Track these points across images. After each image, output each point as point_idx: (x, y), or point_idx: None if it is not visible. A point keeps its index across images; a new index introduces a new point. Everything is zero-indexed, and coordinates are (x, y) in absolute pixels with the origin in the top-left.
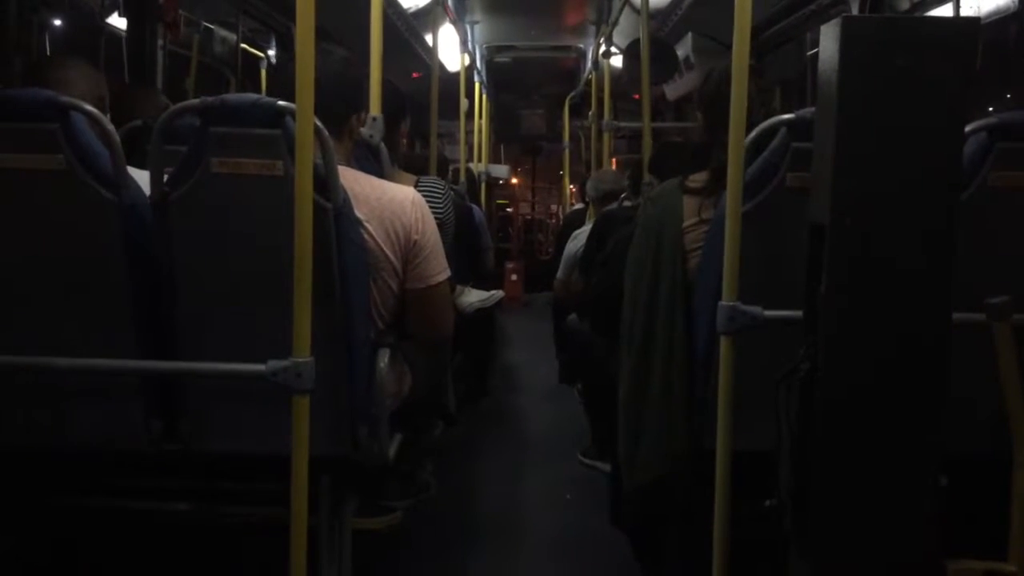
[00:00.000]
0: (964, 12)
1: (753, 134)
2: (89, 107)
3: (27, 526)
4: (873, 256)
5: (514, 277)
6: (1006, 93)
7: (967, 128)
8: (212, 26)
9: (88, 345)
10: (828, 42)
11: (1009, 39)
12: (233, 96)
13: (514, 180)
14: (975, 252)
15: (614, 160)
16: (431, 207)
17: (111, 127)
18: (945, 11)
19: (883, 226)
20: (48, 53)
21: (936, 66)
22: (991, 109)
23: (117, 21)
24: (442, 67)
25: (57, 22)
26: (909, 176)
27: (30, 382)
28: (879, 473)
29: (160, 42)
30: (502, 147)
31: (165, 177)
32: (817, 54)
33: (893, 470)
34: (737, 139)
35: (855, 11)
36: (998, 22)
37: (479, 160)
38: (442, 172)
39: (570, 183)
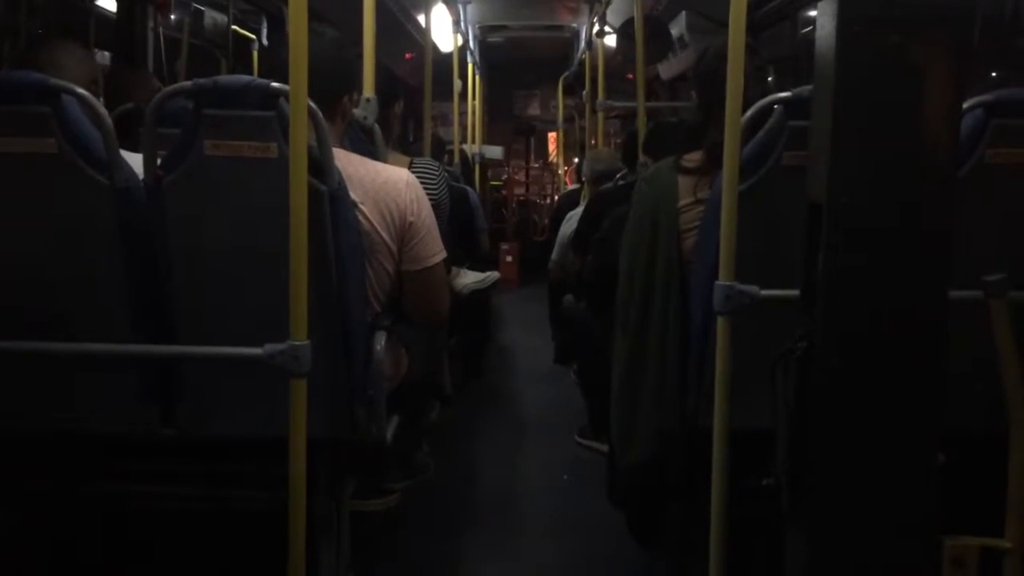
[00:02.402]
0: None
1: (749, 113)
2: (81, 90)
3: (24, 512)
4: (870, 234)
5: (509, 258)
6: (1002, 70)
7: (964, 105)
8: (203, 8)
9: (83, 330)
10: (825, 19)
11: (1005, 16)
12: (226, 78)
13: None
14: (972, 229)
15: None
16: (425, 189)
17: (103, 110)
18: None
19: (880, 204)
20: (38, 35)
21: (933, 43)
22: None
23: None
24: (435, 48)
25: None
26: (906, 154)
27: (25, 367)
28: (876, 451)
29: (151, 24)
30: (496, 128)
31: (159, 160)
32: (808, 33)
33: (890, 448)
34: (733, 118)
35: None
36: None
37: (473, 141)
38: (438, 154)
39: (564, 163)
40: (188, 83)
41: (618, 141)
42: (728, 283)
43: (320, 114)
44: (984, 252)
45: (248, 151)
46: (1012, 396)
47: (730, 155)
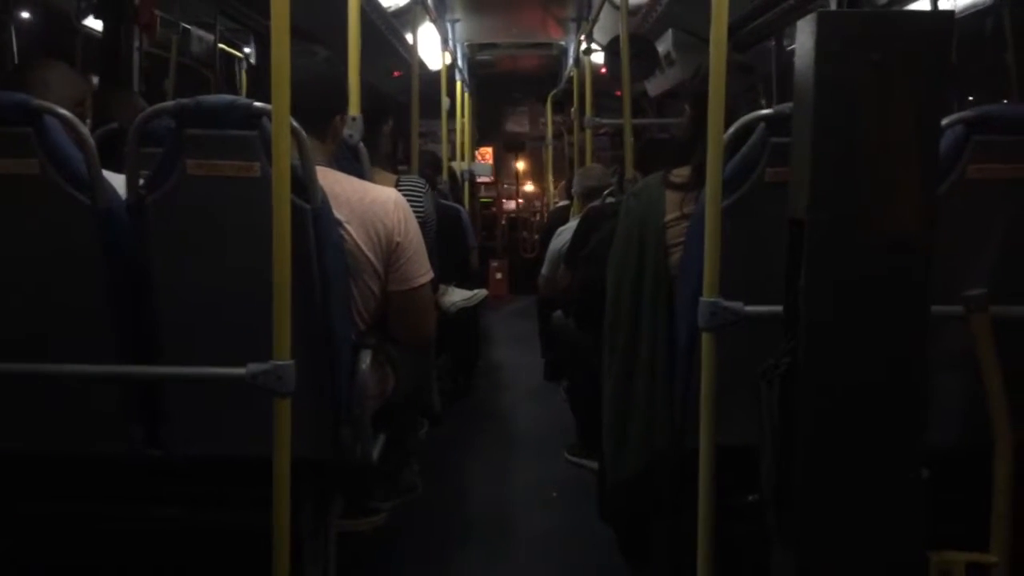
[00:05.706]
0: (942, 6)
1: (732, 129)
2: (62, 111)
3: (6, 533)
4: (851, 250)
5: (498, 275)
6: (982, 86)
7: (944, 121)
8: (190, 27)
9: (66, 350)
10: (804, 37)
11: (985, 32)
12: (208, 97)
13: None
14: (953, 245)
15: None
16: (412, 206)
17: (85, 131)
18: (923, 5)
19: (861, 220)
20: (22, 55)
21: (911, 60)
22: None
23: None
24: (423, 65)
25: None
26: (886, 170)
27: (7, 388)
28: (861, 466)
29: (137, 44)
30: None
31: (141, 180)
32: (792, 51)
33: (874, 463)
34: (716, 134)
35: (833, 6)
36: (974, 15)
37: (462, 159)
38: (434, 170)
39: (553, 180)
40: (170, 103)
41: (602, 154)
42: (712, 299)
43: (303, 133)
44: (965, 267)
45: (231, 170)
46: (995, 410)
47: (713, 171)
